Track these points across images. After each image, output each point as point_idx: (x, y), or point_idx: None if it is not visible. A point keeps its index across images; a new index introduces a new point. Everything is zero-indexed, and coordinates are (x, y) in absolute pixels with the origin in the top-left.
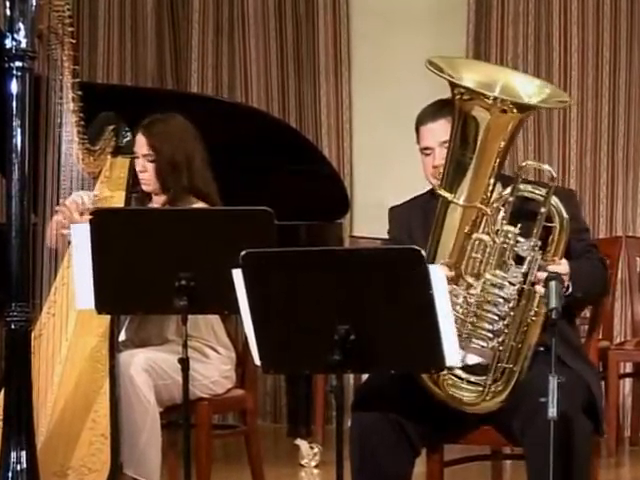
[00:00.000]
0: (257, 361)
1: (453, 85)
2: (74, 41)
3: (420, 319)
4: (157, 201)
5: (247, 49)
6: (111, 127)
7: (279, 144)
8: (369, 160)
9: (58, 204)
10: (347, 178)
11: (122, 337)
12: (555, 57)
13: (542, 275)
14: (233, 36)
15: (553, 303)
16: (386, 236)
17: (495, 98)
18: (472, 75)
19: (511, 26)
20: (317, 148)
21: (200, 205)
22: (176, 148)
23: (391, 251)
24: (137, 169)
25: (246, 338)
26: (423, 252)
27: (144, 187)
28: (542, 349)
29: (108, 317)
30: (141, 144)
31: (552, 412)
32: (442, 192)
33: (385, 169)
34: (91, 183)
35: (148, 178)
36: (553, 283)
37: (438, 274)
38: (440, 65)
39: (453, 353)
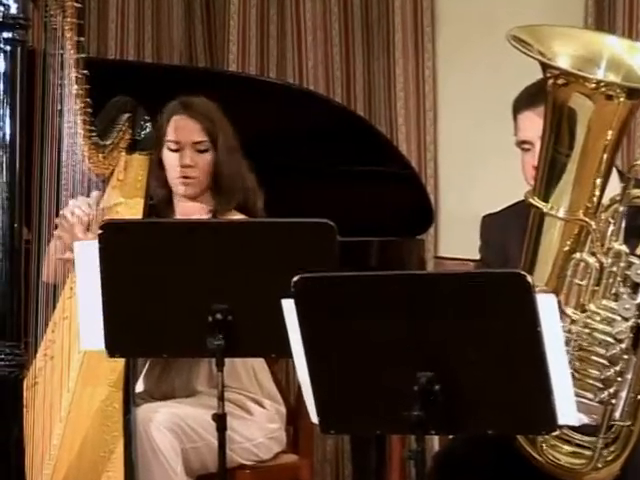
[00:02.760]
0: (314, 418)
1: (544, 66)
2: (79, 5)
3: (525, 364)
4: (183, 211)
5: (301, 16)
6: (126, 116)
7: (343, 138)
8: (459, 159)
9: (58, 215)
10: (430, 182)
11: (140, 387)
12: None
13: None
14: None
15: None
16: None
17: (599, 82)
18: (569, 50)
19: None
20: (392, 144)
21: (241, 216)
22: (230, 133)
23: (487, 276)
24: (184, 162)
25: (300, 388)
26: (529, 278)
27: (184, 189)
28: None
29: (122, 361)
30: (189, 129)
31: None
32: (534, 201)
33: (479, 171)
34: (100, 188)
35: (197, 176)
36: None
37: (549, 306)
38: (527, 40)
39: (569, 409)
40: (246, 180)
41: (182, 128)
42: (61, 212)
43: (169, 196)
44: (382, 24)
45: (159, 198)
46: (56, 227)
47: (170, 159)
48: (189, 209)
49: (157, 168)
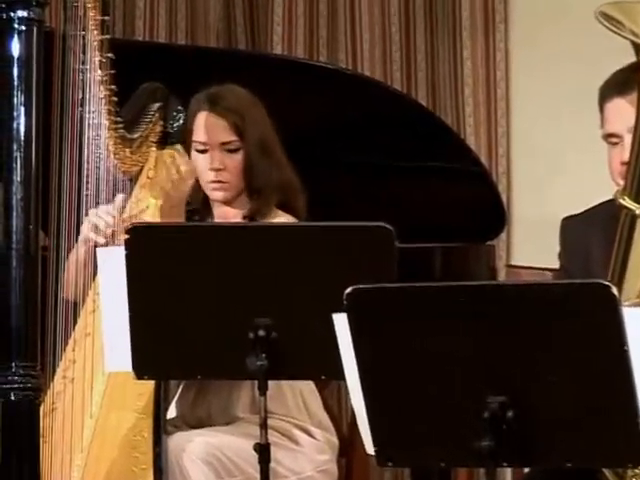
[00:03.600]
0: (370, 449)
1: (638, 47)
2: None
3: (610, 387)
4: (222, 214)
5: None
6: (156, 105)
7: (401, 131)
8: (535, 154)
9: (78, 219)
10: (502, 180)
11: (172, 413)
12: None
13: None
14: None
15: None
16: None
17: None
18: None
19: None
20: (459, 137)
21: (286, 219)
22: (263, 127)
23: (567, 288)
24: (212, 166)
25: (353, 415)
26: (615, 290)
27: (216, 194)
28: None
29: (151, 384)
30: (216, 128)
31: None
32: (625, 202)
33: (558, 167)
34: (127, 187)
35: (228, 179)
36: None
37: (638, 322)
38: (618, 17)
39: None
40: (284, 176)
41: (208, 127)
42: (82, 228)
43: (205, 199)
44: (447, 3)
45: (196, 201)
46: (77, 234)
47: (199, 161)
48: (228, 213)
49: None
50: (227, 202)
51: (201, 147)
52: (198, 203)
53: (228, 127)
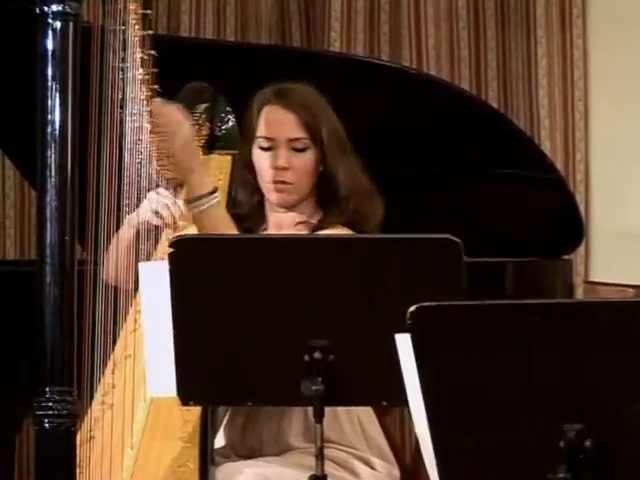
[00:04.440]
0: None
1: None
2: None
3: None
4: (277, 221)
5: None
6: (203, 107)
7: (470, 135)
8: (616, 161)
9: (118, 229)
10: (579, 189)
11: (220, 442)
12: None
13: None
14: None
15: None
16: None
17: None
18: None
19: None
20: (532, 141)
21: (345, 232)
22: (337, 126)
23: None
24: (278, 164)
25: (417, 444)
26: None
27: (277, 196)
28: None
29: (198, 410)
30: (285, 123)
31: None
32: None
33: None
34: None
35: (294, 180)
36: None
37: None
38: None
39: None
40: (360, 182)
41: (275, 122)
42: (139, 209)
43: (260, 205)
44: None
45: (248, 207)
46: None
47: (261, 159)
48: (283, 222)
49: (244, 170)
50: (287, 206)
51: (266, 144)
52: (249, 208)
53: (297, 122)
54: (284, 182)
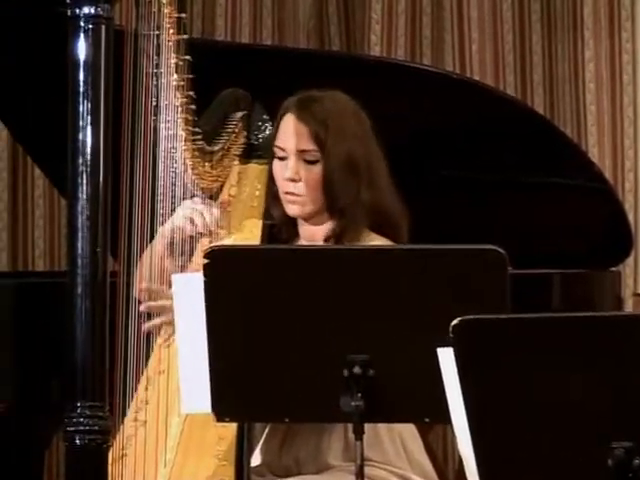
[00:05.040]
0: None
1: None
2: None
3: None
4: (308, 234)
5: None
6: (240, 114)
7: (515, 142)
8: None
9: (152, 240)
10: (628, 199)
11: (256, 461)
12: None
13: None
14: None
15: None
16: None
17: None
18: None
19: None
20: (579, 148)
21: (381, 242)
22: (352, 141)
23: None
24: (285, 175)
25: (460, 463)
26: None
27: (290, 208)
28: None
29: (233, 427)
30: (296, 134)
31: None
32: None
33: None
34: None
35: (304, 193)
36: None
37: None
38: None
39: None
40: (378, 199)
41: (289, 132)
42: (173, 217)
43: (287, 216)
44: None
45: (279, 219)
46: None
47: (276, 169)
48: (316, 234)
49: (271, 180)
50: (304, 218)
51: (280, 153)
52: (280, 220)
53: (308, 135)
54: (294, 194)
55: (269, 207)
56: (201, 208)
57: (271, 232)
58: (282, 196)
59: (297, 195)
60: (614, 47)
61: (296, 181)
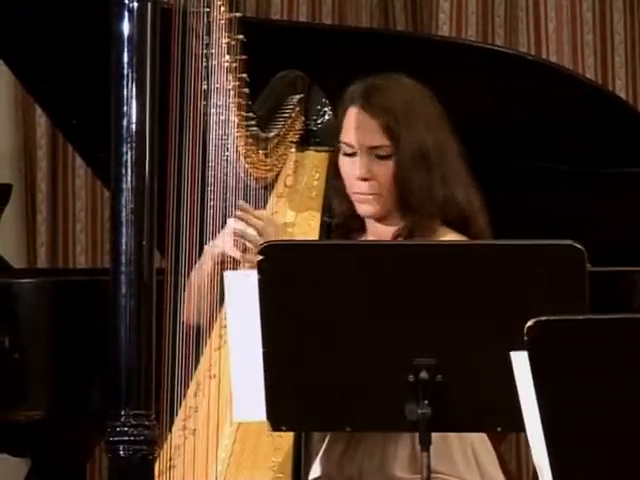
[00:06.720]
0: None
1: None
2: None
3: None
4: (377, 232)
5: None
6: (297, 98)
7: (594, 129)
8: None
9: (201, 235)
10: None
11: (315, 473)
12: None
13: None
14: None
15: None
16: None
17: None
18: None
19: None
20: None
21: (455, 237)
22: (425, 131)
23: None
24: (356, 174)
25: (535, 473)
26: None
27: (363, 209)
28: None
29: (290, 437)
30: (365, 128)
31: None
32: None
33: None
34: (260, 197)
35: (376, 191)
36: None
37: None
38: None
39: None
40: (453, 194)
41: (358, 127)
42: (220, 236)
43: (354, 212)
44: None
45: (343, 216)
46: (199, 253)
47: (345, 166)
48: (385, 232)
49: (334, 175)
50: (377, 218)
51: (349, 150)
52: (344, 217)
53: (379, 129)
54: (368, 193)
55: (331, 203)
56: (241, 226)
57: (330, 226)
58: (352, 195)
59: (369, 194)
60: None
61: (368, 180)
